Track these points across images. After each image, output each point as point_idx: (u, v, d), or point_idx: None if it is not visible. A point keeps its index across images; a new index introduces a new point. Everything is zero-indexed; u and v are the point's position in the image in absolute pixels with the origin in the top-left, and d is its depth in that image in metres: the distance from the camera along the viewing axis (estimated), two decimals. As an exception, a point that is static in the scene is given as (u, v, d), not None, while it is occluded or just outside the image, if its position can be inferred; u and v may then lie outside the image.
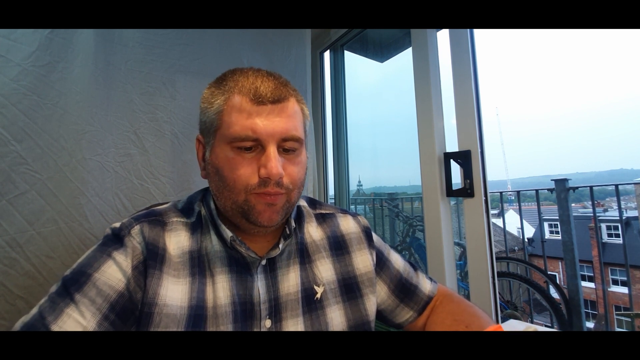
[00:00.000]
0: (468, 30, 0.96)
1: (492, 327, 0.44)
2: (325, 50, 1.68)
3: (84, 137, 0.77)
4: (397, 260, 0.65)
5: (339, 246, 0.59)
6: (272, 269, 0.52)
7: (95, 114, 0.79)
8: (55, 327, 0.40)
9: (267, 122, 0.46)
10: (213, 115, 0.49)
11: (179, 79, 0.95)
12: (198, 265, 0.49)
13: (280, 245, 0.52)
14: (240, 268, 0.50)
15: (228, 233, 0.50)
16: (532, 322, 2.39)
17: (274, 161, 0.45)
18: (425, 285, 0.64)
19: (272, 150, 0.46)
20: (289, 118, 0.48)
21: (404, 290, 0.62)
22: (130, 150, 0.86)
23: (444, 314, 0.59)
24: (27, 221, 0.69)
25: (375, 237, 0.64)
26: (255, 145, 0.47)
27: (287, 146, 0.48)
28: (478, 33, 1.00)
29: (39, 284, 0.70)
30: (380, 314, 0.62)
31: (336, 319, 0.53)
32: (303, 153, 0.52)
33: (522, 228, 2.88)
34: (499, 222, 3.25)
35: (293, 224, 0.55)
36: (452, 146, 1.04)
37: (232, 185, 0.47)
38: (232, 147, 0.47)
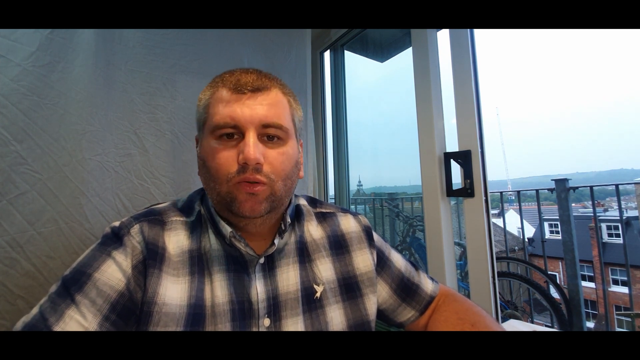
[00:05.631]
0: (468, 30, 0.96)
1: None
2: (326, 50, 1.68)
3: (84, 137, 0.77)
4: (398, 260, 0.64)
5: (339, 245, 0.59)
6: (270, 267, 0.52)
7: (96, 114, 0.79)
8: (57, 329, 0.40)
9: (246, 109, 0.47)
10: (202, 110, 0.51)
11: (179, 79, 0.95)
12: (197, 264, 0.49)
13: (276, 241, 0.52)
14: (238, 267, 0.50)
15: (227, 229, 0.50)
16: (532, 322, 2.39)
17: (251, 146, 0.46)
18: (427, 284, 0.64)
19: (251, 135, 0.47)
20: (270, 106, 0.49)
21: (405, 289, 0.62)
22: (131, 150, 0.86)
23: (448, 312, 0.59)
24: (28, 221, 0.69)
25: (376, 236, 0.64)
26: (236, 133, 0.47)
27: (270, 133, 0.48)
28: (478, 33, 1.00)
29: (40, 284, 0.70)
30: (381, 313, 0.62)
31: (336, 318, 0.53)
32: (290, 144, 0.51)
33: (522, 228, 2.88)
34: (499, 222, 3.25)
35: (288, 219, 0.54)
36: (452, 146, 1.04)
37: (215, 174, 0.47)
38: (215, 137, 0.48)
